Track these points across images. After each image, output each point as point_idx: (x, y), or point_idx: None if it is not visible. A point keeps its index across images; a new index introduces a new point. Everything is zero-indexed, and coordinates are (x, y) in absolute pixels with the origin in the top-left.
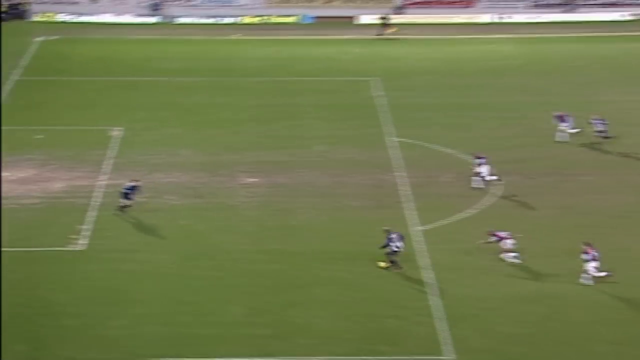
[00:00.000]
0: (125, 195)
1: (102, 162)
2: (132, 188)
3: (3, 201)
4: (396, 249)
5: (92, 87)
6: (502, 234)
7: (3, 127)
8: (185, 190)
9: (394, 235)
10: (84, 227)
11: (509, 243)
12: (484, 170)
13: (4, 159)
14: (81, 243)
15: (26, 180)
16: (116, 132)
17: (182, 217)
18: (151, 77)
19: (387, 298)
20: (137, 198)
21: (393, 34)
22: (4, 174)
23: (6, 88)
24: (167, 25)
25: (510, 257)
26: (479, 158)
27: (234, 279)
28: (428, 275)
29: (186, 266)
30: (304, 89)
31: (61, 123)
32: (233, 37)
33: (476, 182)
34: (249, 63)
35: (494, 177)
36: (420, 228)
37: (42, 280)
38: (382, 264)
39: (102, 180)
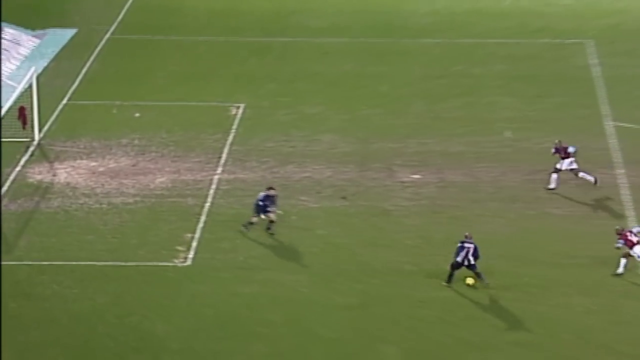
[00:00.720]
0: (262, 210)
1: (219, 149)
2: (266, 198)
3: (88, 199)
4: (462, 262)
5: (207, 51)
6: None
7: (90, 102)
8: (326, 189)
9: (468, 245)
10: (193, 235)
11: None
12: (567, 164)
13: (91, 143)
14: (188, 257)
15: (119, 173)
16: (237, 110)
17: (321, 224)
18: (285, 37)
19: (601, 341)
20: (273, 211)
21: None
22: (91, 163)
23: (95, 51)
24: None
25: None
26: (558, 150)
27: (387, 308)
28: None
29: (324, 290)
30: (490, 55)
31: (166, 97)
32: None
33: (554, 181)
34: (415, 19)
35: (589, 177)
36: None
37: (136, 305)
38: (470, 281)
39: (218, 174)
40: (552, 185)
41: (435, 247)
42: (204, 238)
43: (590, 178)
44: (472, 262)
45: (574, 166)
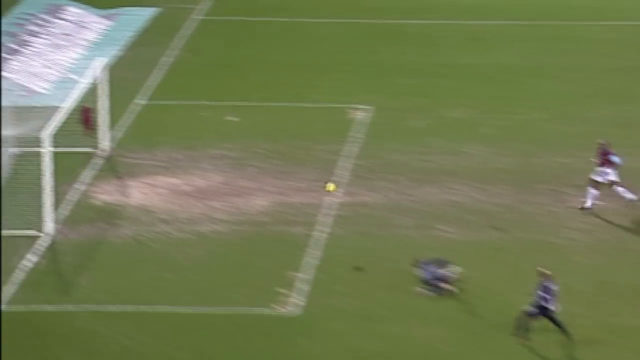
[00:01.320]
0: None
1: (335, 164)
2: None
3: (168, 227)
4: (544, 306)
5: (324, 36)
6: None
7: (173, 101)
8: (474, 216)
9: (550, 286)
10: (300, 275)
11: None
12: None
13: (172, 154)
14: (294, 303)
15: (208, 194)
16: (361, 113)
17: (467, 262)
18: (425, 19)
19: None
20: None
21: None
22: (172, 180)
23: (181, 34)
24: None
25: None
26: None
27: None
28: None
29: (470, 349)
30: None
31: (270, 96)
32: None
33: (591, 198)
34: None
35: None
36: None
37: None
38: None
39: (335, 197)
40: (588, 204)
41: (619, 296)
42: (314, 278)
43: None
44: (549, 307)
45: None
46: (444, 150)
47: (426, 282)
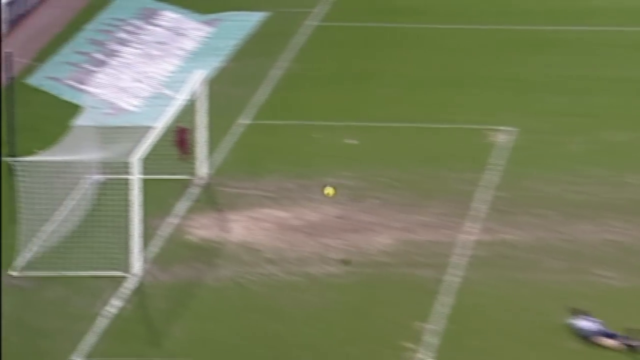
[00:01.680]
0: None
1: (471, 195)
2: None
3: (275, 268)
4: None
5: (460, 45)
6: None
7: (282, 121)
8: (637, 258)
9: None
10: (429, 326)
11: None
12: None
13: (280, 183)
14: (421, 356)
15: (321, 229)
16: (503, 136)
17: (632, 313)
18: (582, 25)
19: None
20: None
21: None
22: (280, 213)
23: (293, 43)
24: None
25: None
26: None
27: None
28: None
29: None
30: None
31: (393, 115)
32: None
33: None
34: None
35: None
36: None
37: None
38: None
39: (471, 234)
40: None
41: None
42: (446, 330)
43: None
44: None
45: None
46: (603, 181)
47: (586, 337)
